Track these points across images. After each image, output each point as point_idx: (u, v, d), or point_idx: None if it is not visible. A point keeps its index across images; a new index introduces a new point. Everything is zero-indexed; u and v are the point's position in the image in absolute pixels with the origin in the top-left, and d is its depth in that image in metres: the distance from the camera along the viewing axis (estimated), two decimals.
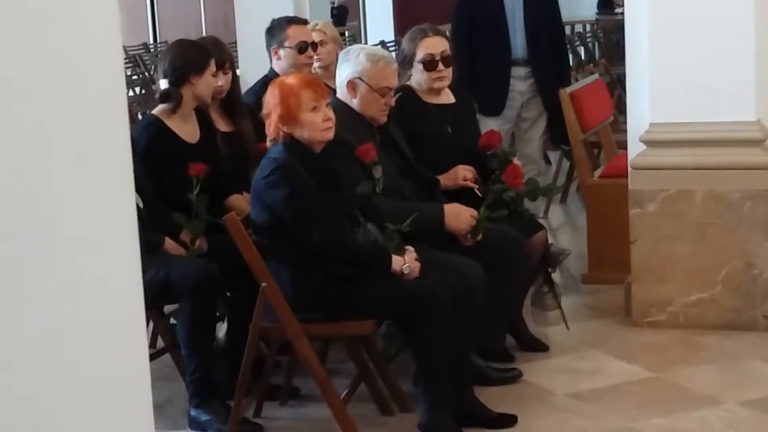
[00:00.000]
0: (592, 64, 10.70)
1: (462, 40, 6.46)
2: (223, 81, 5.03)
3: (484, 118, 6.20)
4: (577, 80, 7.36)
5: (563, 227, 7.73)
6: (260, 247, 4.17)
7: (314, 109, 4.18)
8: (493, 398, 4.52)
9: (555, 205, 8.08)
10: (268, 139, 4.27)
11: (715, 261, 5.27)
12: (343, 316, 4.19)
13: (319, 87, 4.29)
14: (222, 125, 5.08)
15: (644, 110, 5.40)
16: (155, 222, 4.52)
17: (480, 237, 4.70)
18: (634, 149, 5.49)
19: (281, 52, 5.62)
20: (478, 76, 6.38)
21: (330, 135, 4.23)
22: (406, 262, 4.20)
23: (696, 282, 5.31)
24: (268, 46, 5.69)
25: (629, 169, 5.47)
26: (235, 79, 5.22)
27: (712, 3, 5.19)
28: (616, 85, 8.89)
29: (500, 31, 6.47)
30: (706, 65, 5.21)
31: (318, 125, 4.19)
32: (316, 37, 5.82)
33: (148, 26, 19.00)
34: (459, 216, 4.69)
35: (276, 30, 5.68)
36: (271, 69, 5.63)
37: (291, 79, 4.28)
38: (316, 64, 5.81)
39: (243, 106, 5.19)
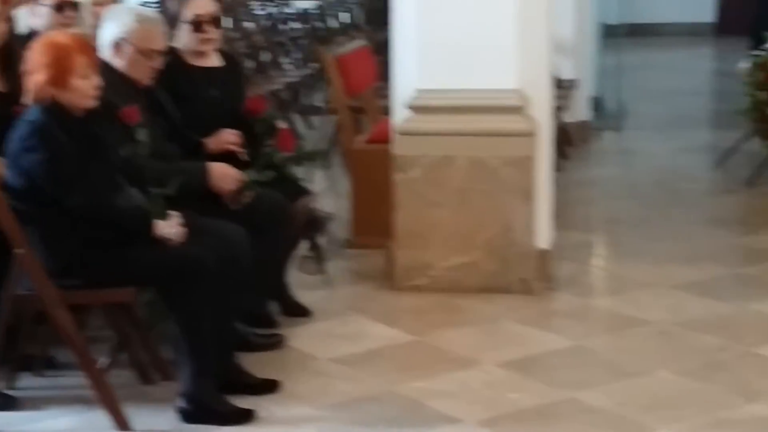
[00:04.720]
0: (356, 30, 10.76)
1: None
2: None
3: None
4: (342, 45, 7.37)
5: (327, 192, 7.74)
6: (16, 212, 3.99)
7: (85, 75, 4.03)
8: (256, 364, 4.49)
9: (318, 169, 8.07)
10: (27, 98, 4.07)
11: (476, 226, 5.39)
12: (104, 284, 4.06)
13: (93, 53, 4.15)
14: None
15: (410, 76, 5.45)
16: None
17: (247, 200, 4.65)
18: (399, 115, 5.54)
19: (38, 9, 5.37)
20: None
21: (94, 102, 4.10)
22: (170, 228, 4.11)
23: (456, 246, 5.42)
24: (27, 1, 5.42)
25: (394, 134, 5.52)
26: (12, 29, 4.73)
27: None
28: (380, 51, 8.94)
29: None
30: (470, 33, 5.30)
31: (86, 92, 4.06)
32: None
33: None
34: (225, 176, 4.63)
35: None
36: (29, 27, 5.37)
37: (64, 40, 4.09)
38: (95, 21, 5.51)
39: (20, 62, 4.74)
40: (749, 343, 4.82)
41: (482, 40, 5.29)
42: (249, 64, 9.94)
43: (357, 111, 7.18)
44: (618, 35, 10.56)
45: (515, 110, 5.37)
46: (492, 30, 5.29)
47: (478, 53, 5.30)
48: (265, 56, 10.42)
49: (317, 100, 10.40)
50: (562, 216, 6.23)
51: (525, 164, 5.36)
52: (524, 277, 5.40)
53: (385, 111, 6.29)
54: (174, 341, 4.23)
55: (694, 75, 13.27)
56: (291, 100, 9.78)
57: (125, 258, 4.05)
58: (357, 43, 7.13)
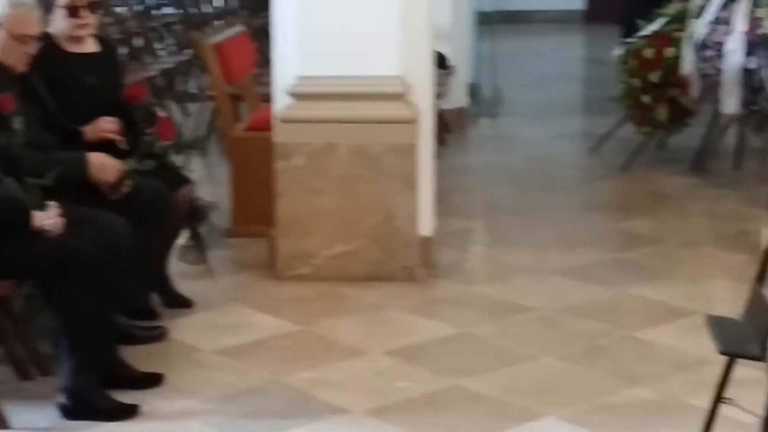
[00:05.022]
0: (232, 15, 10.65)
1: None
2: None
3: None
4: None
5: (205, 180, 7.63)
6: None
7: None
8: (138, 357, 4.41)
9: (196, 158, 7.95)
10: None
11: (358, 214, 5.37)
12: None
13: None
14: None
15: (291, 63, 5.39)
16: None
17: (127, 189, 4.55)
18: (281, 102, 5.48)
19: None
20: None
21: None
22: (48, 218, 3.99)
23: (339, 235, 5.39)
24: None
25: (275, 122, 5.46)
26: None
27: None
28: (257, 37, 8.86)
29: None
30: (351, 19, 5.27)
31: None
32: None
33: None
34: (104, 166, 4.52)
35: None
36: None
37: None
38: None
39: None
40: (630, 328, 4.89)
41: (364, 27, 5.26)
42: (122, 50, 9.77)
43: (235, 98, 7.10)
44: (492, 22, 10.64)
45: (397, 97, 5.35)
46: (374, 16, 5.26)
47: (360, 40, 5.27)
48: (139, 42, 10.24)
49: (193, 86, 10.26)
50: (441, 203, 6.24)
51: (407, 151, 5.35)
52: (407, 265, 5.41)
53: (265, 98, 6.22)
54: (53, 335, 4.13)
55: (566, 62, 13.46)
56: (166, 87, 9.63)
57: (1, 250, 3.92)
58: (235, 30, 7.02)
